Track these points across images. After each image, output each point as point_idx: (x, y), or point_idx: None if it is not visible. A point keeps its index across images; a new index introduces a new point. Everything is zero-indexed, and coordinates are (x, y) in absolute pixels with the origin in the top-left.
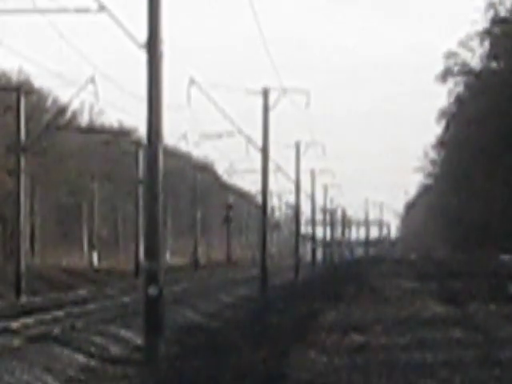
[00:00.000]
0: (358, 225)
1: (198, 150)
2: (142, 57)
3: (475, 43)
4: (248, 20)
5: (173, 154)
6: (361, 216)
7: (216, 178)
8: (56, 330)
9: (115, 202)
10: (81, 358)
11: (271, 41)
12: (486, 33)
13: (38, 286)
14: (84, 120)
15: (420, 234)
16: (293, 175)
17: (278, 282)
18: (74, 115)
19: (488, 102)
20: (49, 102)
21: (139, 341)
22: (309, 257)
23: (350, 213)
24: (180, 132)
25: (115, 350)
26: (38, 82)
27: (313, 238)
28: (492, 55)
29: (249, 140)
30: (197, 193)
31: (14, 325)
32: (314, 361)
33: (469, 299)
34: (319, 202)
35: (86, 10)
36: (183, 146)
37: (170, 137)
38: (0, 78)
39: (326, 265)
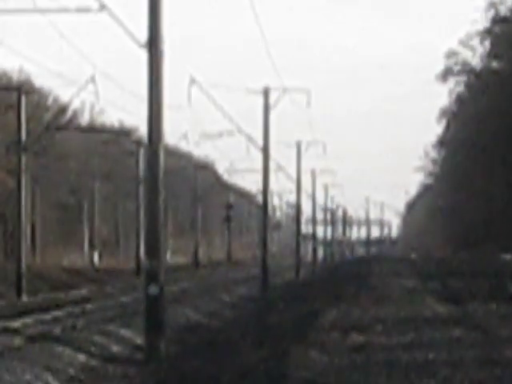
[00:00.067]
0: (359, 224)
1: (199, 150)
2: (143, 56)
3: (476, 43)
4: (248, 20)
5: (173, 154)
6: (361, 215)
7: (217, 177)
8: (56, 330)
9: (116, 201)
10: (81, 358)
11: (272, 40)
12: (487, 32)
13: (38, 285)
14: (85, 119)
15: (420, 234)
16: (293, 174)
17: (279, 281)
18: (75, 115)
19: (488, 101)
20: (49, 102)
21: (140, 340)
22: (309, 256)
23: (350, 212)
24: (181, 131)
25: (116, 349)
26: (39, 81)
27: (313, 237)
28: (492, 55)
29: (249, 139)
30: (197, 192)
31: (15, 324)
32: (315, 360)
33: (469, 298)
34: (320, 201)
35: (86, 10)
36: (184, 146)
37: (171, 136)
38: (1, 77)
39: (327, 264)
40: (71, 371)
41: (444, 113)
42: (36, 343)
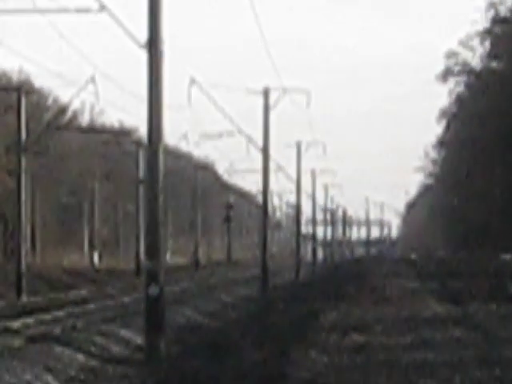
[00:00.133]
0: (359, 224)
1: (199, 150)
2: (143, 56)
3: (476, 43)
4: (248, 20)
5: (173, 154)
6: (361, 216)
7: (216, 177)
8: (56, 330)
9: (116, 201)
10: (81, 358)
11: (271, 40)
12: (487, 32)
13: (38, 285)
14: (84, 120)
15: (420, 234)
16: (293, 175)
17: (279, 281)
18: (75, 115)
19: (488, 101)
20: (49, 102)
21: (140, 340)
22: (309, 256)
23: (350, 212)
24: (180, 132)
25: (116, 349)
26: (39, 81)
27: (313, 237)
28: (492, 55)
29: (249, 140)
30: (197, 192)
31: (15, 324)
32: (315, 360)
33: (469, 299)
34: (320, 201)
35: (86, 10)
36: (184, 146)
37: (171, 136)
38: (0, 77)
39: (327, 264)
40: (71, 371)
41: (444, 113)
42: (36, 343)
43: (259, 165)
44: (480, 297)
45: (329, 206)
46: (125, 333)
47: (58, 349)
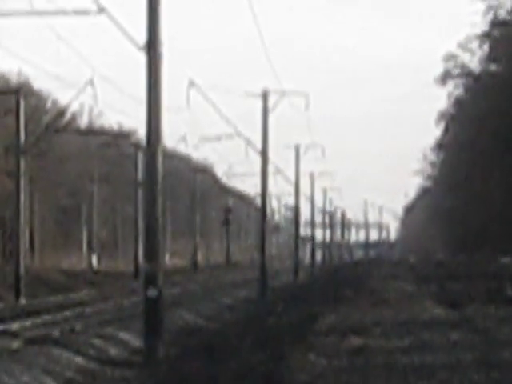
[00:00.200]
0: (358, 227)
1: (198, 153)
2: (142, 59)
3: (475, 46)
4: (247, 21)
5: (172, 156)
6: (360, 218)
7: (215, 180)
8: (55, 332)
9: (114, 203)
10: (80, 360)
11: (270, 41)
12: (486, 35)
13: (37, 287)
14: (83, 122)
15: (419, 237)
16: (292, 177)
17: (278, 284)
18: (74, 117)
19: (487, 104)
20: (48, 104)
21: (138, 343)
22: (308, 259)
23: (349, 215)
24: (179, 134)
25: (114, 352)
26: (38, 84)
27: (312, 240)
28: (491, 58)
29: (248, 142)
30: (196, 195)
31: (13, 327)
32: (313, 363)
33: (468, 301)
34: (318, 204)
35: (85, 12)
36: (182, 148)
37: (170, 139)
38: None
39: (326, 267)
40: (69, 374)
41: (443, 115)
42: (34, 346)
43: (258, 167)
44: (479, 299)
45: (327, 208)
46: (123, 335)
47: (57, 351)
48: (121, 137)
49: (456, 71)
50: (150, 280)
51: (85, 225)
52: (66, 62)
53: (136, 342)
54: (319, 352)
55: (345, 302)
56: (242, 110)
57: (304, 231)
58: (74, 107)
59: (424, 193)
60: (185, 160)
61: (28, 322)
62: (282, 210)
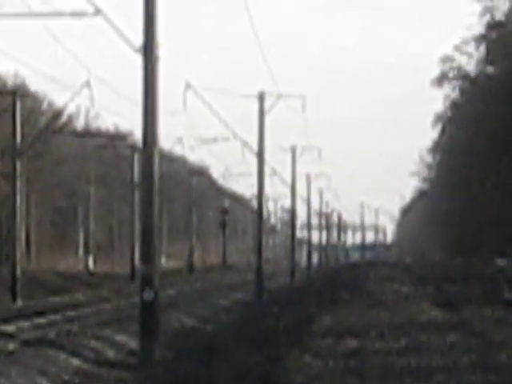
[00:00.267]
0: (354, 229)
1: (194, 154)
2: (138, 61)
3: (471, 48)
4: (244, 23)
5: (168, 158)
6: (356, 220)
7: (212, 182)
8: (51, 334)
9: (111, 205)
10: (76, 362)
11: (266, 42)
12: (482, 37)
13: (33, 289)
14: (80, 124)
15: (415, 239)
16: (288, 179)
17: (274, 286)
18: (70, 119)
19: (484, 106)
20: (44, 106)
21: (134, 344)
22: (304, 261)
23: (345, 217)
24: (176, 136)
25: (111, 353)
26: (34, 85)
27: (308, 242)
28: (488, 60)
29: (245, 144)
30: (192, 197)
31: (10, 328)
32: (309, 365)
33: (464, 303)
34: (315, 206)
35: (81, 14)
36: (179, 150)
37: (166, 141)
38: None
39: (322, 269)
40: (66, 375)
41: (439, 118)
42: (31, 347)
43: (254, 169)
44: (475, 301)
45: (324, 210)
46: (119, 337)
47: (53, 353)
48: (117, 139)
49: (452, 73)
50: (147, 282)
51: (81, 226)
52: (63, 63)
53: (132, 343)
54: (315, 354)
55: (341, 303)
56: (239, 111)
57: (300, 233)
58: (70, 109)
59: (420, 195)
60: (181, 162)
61: (24, 324)
62: (279, 212)
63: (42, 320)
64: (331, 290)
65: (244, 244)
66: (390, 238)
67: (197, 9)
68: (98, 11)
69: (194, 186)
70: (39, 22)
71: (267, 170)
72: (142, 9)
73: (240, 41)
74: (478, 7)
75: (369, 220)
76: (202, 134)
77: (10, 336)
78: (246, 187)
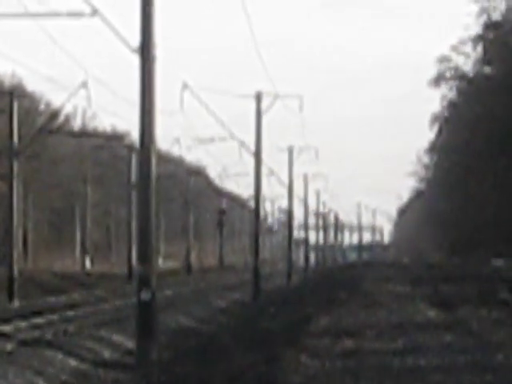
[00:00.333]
0: (351, 229)
1: (191, 155)
2: (135, 61)
3: (468, 48)
4: (242, 23)
5: (165, 159)
6: (354, 220)
7: (209, 182)
8: (48, 334)
9: (108, 205)
10: (73, 362)
11: (263, 42)
12: (479, 38)
13: (30, 289)
14: (77, 124)
15: (412, 239)
16: (286, 180)
17: (271, 286)
18: (67, 119)
19: (481, 106)
20: (41, 106)
21: (131, 345)
22: (301, 261)
23: (342, 217)
24: (173, 136)
25: (107, 354)
26: (31, 86)
27: (306, 242)
28: (485, 60)
29: (242, 144)
30: (189, 197)
31: (7, 329)
32: (306, 365)
33: (461, 303)
34: (312, 206)
35: (78, 14)
36: (176, 151)
37: (163, 141)
38: None
39: (319, 269)
40: (63, 376)
41: (436, 118)
42: (28, 348)
43: (251, 169)
44: (472, 302)
45: (321, 210)
46: (116, 337)
47: (50, 353)
48: (114, 139)
49: (449, 73)
50: (144, 282)
51: (78, 226)
52: (60, 64)
53: (129, 344)
54: (312, 354)
55: (338, 304)
56: (236, 111)
57: (297, 234)
58: (67, 109)
59: (417, 195)
60: (178, 162)
61: (21, 324)
62: (276, 213)
63: (39, 320)
64: (328, 290)
65: (241, 244)
66: (387, 238)
67: (194, 9)
68: (94, 11)
69: (191, 187)
70: (36, 23)
71: (264, 171)
72: (138, 9)
73: (237, 41)
74: (475, 7)
75: (366, 220)
76: (199, 134)
77: (6, 336)
78: (243, 187)
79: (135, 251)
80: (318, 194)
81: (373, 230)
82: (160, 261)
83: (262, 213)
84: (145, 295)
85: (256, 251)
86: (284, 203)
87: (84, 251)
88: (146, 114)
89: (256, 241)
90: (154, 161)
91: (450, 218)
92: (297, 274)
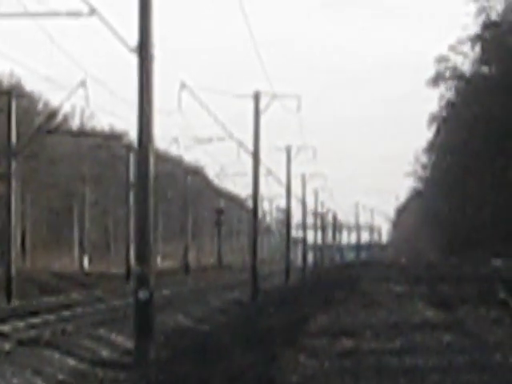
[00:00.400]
0: (349, 229)
1: (189, 154)
2: (133, 60)
3: (466, 48)
4: (239, 23)
5: (164, 158)
6: (352, 220)
7: (207, 182)
8: (46, 334)
9: (106, 205)
10: (71, 362)
11: (261, 42)
12: (477, 37)
13: (28, 289)
14: (75, 124)
15: (411, 239)
16: (284, 179)
17: (269, 286)
18: (65, 119)
19: (479, 106)
20: (40, 106)
21: (130, 344)
22: (300, 261)
23: (340, 217)
24: (171, 136)
25: (105, 353)
26: (29, 85)
27: (304, 242)
28: (483, 60)
29: (240, 144)
30: (187, 197)
31: (5, 328)
32: (304, 365)
33: (459, 303)
34: (310, 205)
35: (77, 14)
36: (174, 150)
37: (161, 141)
38: None
39: (317, 269)
40: (61, 375)
41: (434, 118)
42: (26, 347)
43: (250, 169)
44: (470, 301)
45: (319, 210)
46: (114, 337)
47: (48, 352)
48: (112, 138)
49: (447, 73)
50: (142, 282)
51: (76, 226)
52: (58, 63)
53: (127, 343)
54: (310, 354)
55: (336, 303)
56: (234, 111)
57: (295, 233)
58: (65, 109)
59: (416, 195)
60: (176, 162)
61: (19, 324)
62: (274, 212)
63: (36, 320)
64: (326, 290)
65: (239, 244)
66: (385, 238)
67: (192, 8)
68: (93, 11)
69: (189, 186)
70: (35, 22)
71: (262, 170)
72: (137, 8)
73: (235, 40)
74: (473, 7)
75: (364, 220)
76: (197, 133)
77: (4, 336)
78: (241, 187)
79: (133, 251)
80: (316, 194)
81: (371, 229)
82: (158, 260)
83: (260, 212)
84: (143, 295)
85: (254, 251)
86: (282, 203)
87: (82, 251)
88: (144, 114)
89: (254, 240)
90: (152, 160)
91: (448, 217)
92: (295, 273)
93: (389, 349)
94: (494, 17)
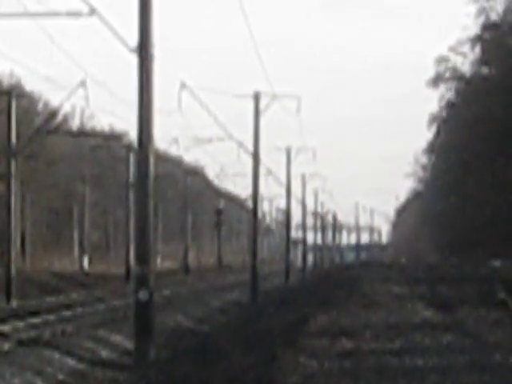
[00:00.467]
0: (349, 230)
1: (189, 155)
2: (133, 60)
3: (466, 48)
4: (239, 23)
5: (164, 159)
6: (351, 221)
7: (207, 182)
8: (46, 334)
9: (106, 205)
10: (71, 362)
11: (261, 42)
12: (477, 38)
13: (28, 290)
14: (75, 124)
15: (410, 239)
16: (284, 180)
17: (269, 286)
18: (65, 119)
19: (479, 107)
20: (40, 106)
21: (129, 345)
22: (299, 262)
23: (340, 217)
24: (171, 136)
25: (105, 354)
26: (29, 85)
27: (303, 242)
28: (483, 61)
29: (240, 144)
30: (187, 197)
31: (5, 328)
32: (304, 365)
33: (459, 304)
34: (310, 206)
35: (77, 14)
36: (174, 151)
37: (161, 141)
38: None
39: (317, 270)
40: (61, 375)
41: (434, 118)
42: (26, 347)
43: (249, 169)
44: (470, 302)
45: (319, 210)
46: (114, 337)
47: (48, 353)
48: (112, 139)
49: (447, 74)
50: (142, 282)
51: (76, 227)
52: (58, 63)
53: (127, 343)
54: (310, 354)
55: (336, 304)
56: (234, 111)
57: (295, 234)
58: (65, 109)
59: (415, 196)
60: (176, 162)
61: (19, 324)
62: (274, 213)
63: (36, 320)
64: (326, 290)
65: (239, 244)
66: (384, 238)
67: (192, 8)
68: (93, 11)
69: (189, 187)
70: (35, 22)
71: (262, 171)
72: (137, 8)
73: (235, 41)
74: (473, 8)
75: (364, 220)
76: (197, 134)
77: (4, 336)
78: (241, 187)
79: (133, 251)
80: (315, 194)
81: (371, 230)
82: (158, 261)
83: (259, 213)
84: (143, 295)
85: (254, 251)
86: (282, 203)
87: (82, 251)
88: (144, 114)
89: (254, 241)
90: (152, 161)
91: (448, 218)
92: (295, 274)
93: (389, 349)
94: (493, 17)
